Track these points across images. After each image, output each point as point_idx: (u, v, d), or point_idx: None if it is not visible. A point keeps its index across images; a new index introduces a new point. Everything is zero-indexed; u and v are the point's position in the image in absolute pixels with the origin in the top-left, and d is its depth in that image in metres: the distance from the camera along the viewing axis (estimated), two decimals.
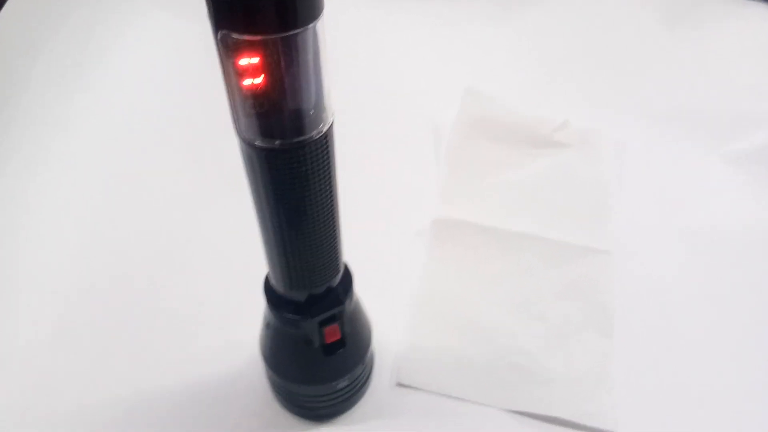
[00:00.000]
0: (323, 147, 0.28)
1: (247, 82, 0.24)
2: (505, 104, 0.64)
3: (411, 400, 0.44)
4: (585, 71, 0.70)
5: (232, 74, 0.24)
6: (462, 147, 0.61)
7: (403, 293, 0.49)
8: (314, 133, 0.27)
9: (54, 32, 0.64)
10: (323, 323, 0.36)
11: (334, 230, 0.32)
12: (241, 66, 0.24)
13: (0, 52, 0.60)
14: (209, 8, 0.23)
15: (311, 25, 0.23)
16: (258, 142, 0.27)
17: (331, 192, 0.30)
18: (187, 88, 0.63)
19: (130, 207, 0.54)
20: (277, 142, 0.26)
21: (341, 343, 0.38)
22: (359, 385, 0.42)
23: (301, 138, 0.27)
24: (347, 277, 0.38)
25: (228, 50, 0.23)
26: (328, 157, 0.28)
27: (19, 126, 0.58)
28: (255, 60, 0.23)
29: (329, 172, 0.29)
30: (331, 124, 0.28)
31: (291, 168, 0.27)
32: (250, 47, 0.23)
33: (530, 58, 0.72)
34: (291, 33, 0.23)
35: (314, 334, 0.37)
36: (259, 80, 0.24)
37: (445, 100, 0.64)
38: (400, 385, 0.44)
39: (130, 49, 0.68)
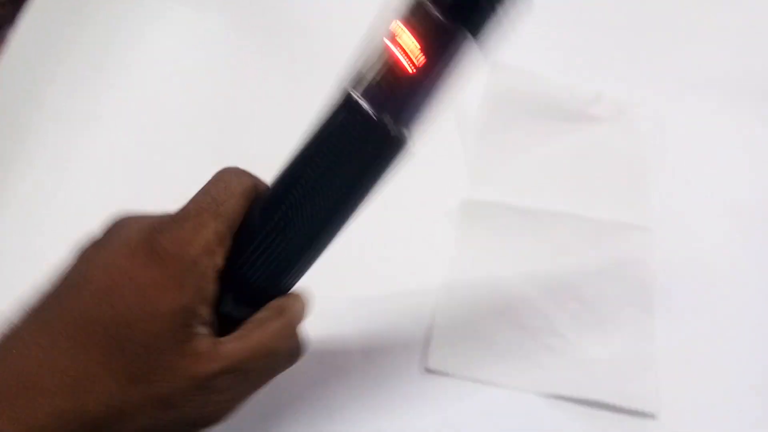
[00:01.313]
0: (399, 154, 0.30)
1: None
2: (534, 77, 0.61)
3: (440, 386, 0.42)
4: (619, 40, 0.67)
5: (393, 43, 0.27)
6: (490, 123, 0.59)
7: (432, 277, 0.48)
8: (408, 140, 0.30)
9: (78, 29, 0.65)
10: None
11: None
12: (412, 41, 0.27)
13: (24, 50, 0.61)
14: None
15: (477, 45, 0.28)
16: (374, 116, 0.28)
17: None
18: (213, 82, 0.63)
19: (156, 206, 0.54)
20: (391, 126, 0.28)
21: None
22: None
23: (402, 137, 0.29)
24: None
25: (412, 20, 0.27)
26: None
27: (44, 125, 0.58)
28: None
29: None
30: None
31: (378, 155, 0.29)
32: (432, 27, 0.27)
33: (561, 27, 0.69)
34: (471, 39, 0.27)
35: None
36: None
37: (470, 73, 0.62)
38: (429, 371, 0.43)
39: (155, 43, 0.68)
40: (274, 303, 0.30)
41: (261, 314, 0.30)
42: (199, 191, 0.30)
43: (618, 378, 0.42)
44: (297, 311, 0.31)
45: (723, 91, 0.61)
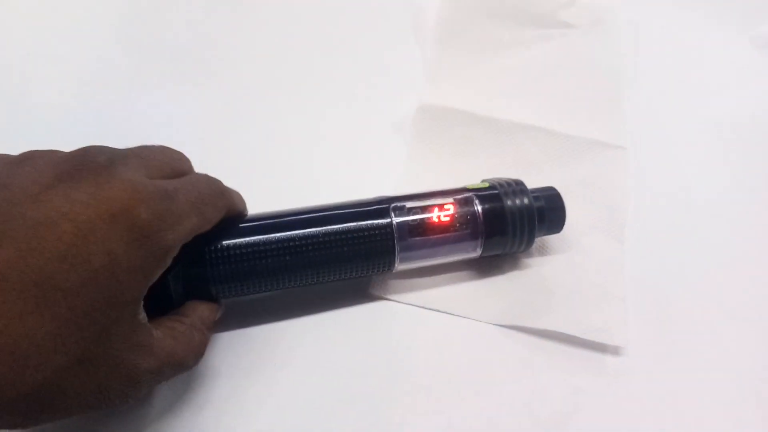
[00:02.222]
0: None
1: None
2: None
3: (383, 313, 0.37)
4: None
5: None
6: (452, 23, 0.52)
7: (383, 189, 0.42)
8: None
9: None
10: None
11: None
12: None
13: None
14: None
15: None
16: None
17: None
18: None
19: None
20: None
21: None
22: None
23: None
24: None
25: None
26: None
27: None
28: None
29: None
30: None
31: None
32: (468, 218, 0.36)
33: None
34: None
35: None
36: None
37: None
38: (372, 296, 0.38)
39: None
40: (206, 315, 0.31)
41: (191, 320, 0.30)
42: (187, 180, 0.29)
43: (582, 308, 0.37)
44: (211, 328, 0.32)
45: (705, 1, 0.55)
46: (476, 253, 0.37)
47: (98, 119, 0.45)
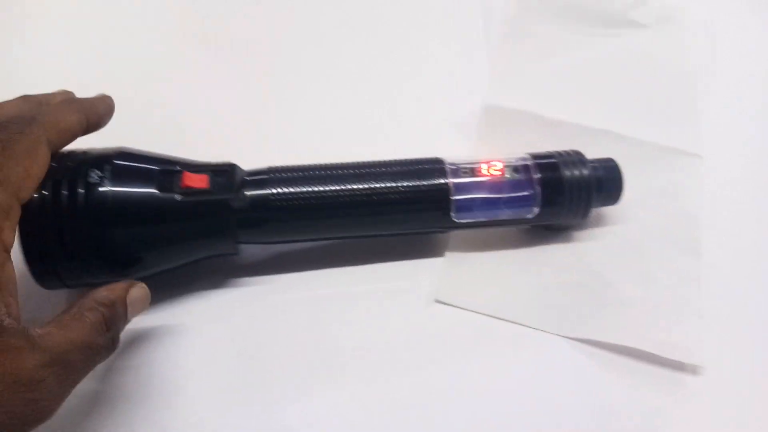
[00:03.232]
0: None
1: None
2: None
3: (451, 321, 0.36)
4: None
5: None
6: (519, 23, 0.50)
7: None
8: None
9: None
10: None
11: None
12: None
13: None
14: None
15: None
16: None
17: None
18: None
19: None
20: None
21: None
22: None
23: None
24: None
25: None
26: None
27: None
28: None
29: None
30: None
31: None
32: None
33: None
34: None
35: None
36: None
37: None
38: (439, 302, 0.37)
39: None
40: (102, 295, 0.29)
41: (81, 303, 0.28)
42: None
43: (656, 324, 0.36)
44: (131, 303, 0.30)
45: None
46: (532, 214, 0.37)
47: (161, 112, 0.45)
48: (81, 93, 0.33)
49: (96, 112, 0.32)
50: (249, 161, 0.36)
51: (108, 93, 0.34)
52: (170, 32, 0.50)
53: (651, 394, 0.33)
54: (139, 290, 0.30)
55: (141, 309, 0.31)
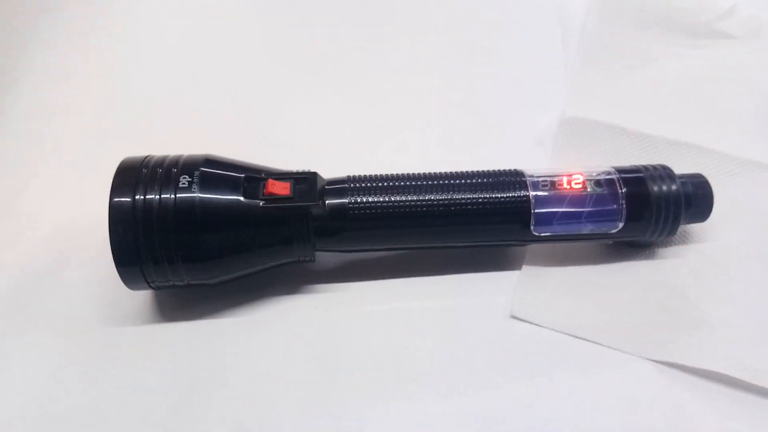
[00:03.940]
0: None
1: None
2: None
3: (527, 337, 0.35)
4: None
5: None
6: (600, 33, 0.49)
7: None
8: None
9: None
10: None
11: None
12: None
13: None
14: None
15: None
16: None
17: None
18: None
19: None
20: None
21: None
22: None
23: None
24: None
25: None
26: None
27: None
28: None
29: None
30: None
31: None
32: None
33: None
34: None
35: None
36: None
37: None
38: (514, 318, 0.36)
39: None
40: None
41: None
42: None
43: (745, 348, 0.34)
44: None
45: None
46: (615, 229, 0.36)
47: (246, 121, 0.47)
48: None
49: None
50: (329, 170, 0.36)
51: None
52: (255, 45, 0.51)
53: (739, 424, 0.32)
54: None
55: None
